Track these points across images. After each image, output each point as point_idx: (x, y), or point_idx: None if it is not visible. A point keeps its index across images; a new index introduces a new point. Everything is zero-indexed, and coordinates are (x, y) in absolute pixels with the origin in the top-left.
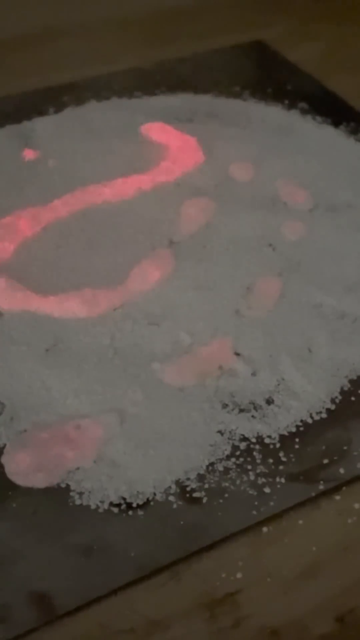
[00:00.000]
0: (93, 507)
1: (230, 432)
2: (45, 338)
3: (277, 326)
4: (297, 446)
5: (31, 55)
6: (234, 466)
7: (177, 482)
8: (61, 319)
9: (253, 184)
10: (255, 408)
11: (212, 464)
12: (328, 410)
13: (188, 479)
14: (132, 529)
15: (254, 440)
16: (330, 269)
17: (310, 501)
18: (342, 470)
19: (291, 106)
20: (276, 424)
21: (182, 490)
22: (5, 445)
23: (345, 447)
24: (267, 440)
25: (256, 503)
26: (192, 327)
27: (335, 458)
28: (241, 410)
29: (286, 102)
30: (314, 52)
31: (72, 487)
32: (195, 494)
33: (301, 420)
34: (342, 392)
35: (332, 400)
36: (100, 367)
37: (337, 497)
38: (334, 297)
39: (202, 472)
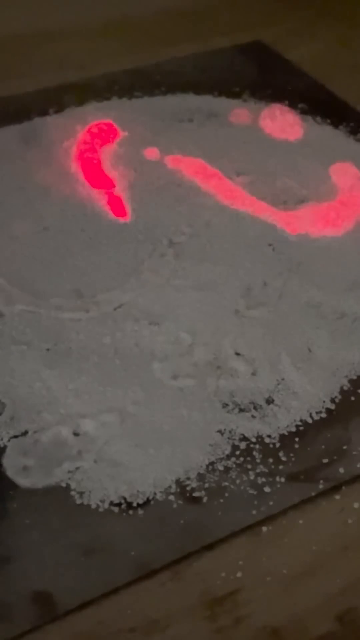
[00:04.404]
0: (93, 506)
1: (230, 431)
2: (45, 338)
3: (277, 326)
4: (297, 446)
5: (32, 55)
6: (234, 466)
7: (177, 482)
8: (62, 319)
9: (253, 184)
10: (255, 408)
11: (212, 463)
12: (328, 410)
13: (188, 478)
14: (133, 529)
15: (254, 439)
16: (330, 269)
17: (310, 501)
18: (341, 470)
19: (291, 106)
20: (276, 423)
21: (182, 489)
22: (5, 445)
23: (345, 447)
24: (267, 440)
25: (256, 503)
26: (192, 327)
27: (335, 458)
28: (241, 410)
29: (286, 102)
30: (314, 52)
31: (72, 487)
32: (196, 494)
33: (301, 420)
34: (342, 391)
35: (332, 400)
36: (101, 367)
37: (337, 497)
38: (334, 297)
39: (202, 471)
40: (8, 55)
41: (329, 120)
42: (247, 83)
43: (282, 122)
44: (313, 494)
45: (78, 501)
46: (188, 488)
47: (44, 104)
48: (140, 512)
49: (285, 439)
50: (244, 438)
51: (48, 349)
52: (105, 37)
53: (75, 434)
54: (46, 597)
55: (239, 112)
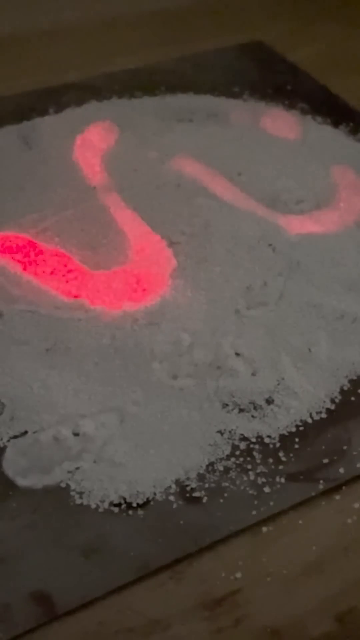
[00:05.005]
0: (93, 506)
1: (230, 432)
2: (45, 338)
3: (277, 326)
4: (297, 446)
5: (31, 55)
6: (234, 466)
7: (177, 482)
8: (62, 319)
9: (253, 184)
10: (255, 408)
11: (212, 463)
12: (328, 410)
13: (188, 478)
14: (132, 529)
15: (253, 440)
16: (330, 269)
17: (310, 501)
18: (341, 470)
19: (291, 106)
20: (276, 423)
21: (182, 489)
22: (5, 445)
23: (345, 447)
24: (267, 440)
25: (256, 503)
26: (192, 327)
27: (334, 458)
28: (241, 410)
29: (286, 102)
30: (314, 52)
31: (72, 487)
32: (195, 494)
33: (301, 420)
34: (342, 392)
35: (332, 400)
36: (100, 366)
37: (337, 497)
38: (334, 297)
39: (202, 471)
40: (8, 55)
41: (329, 120)
42: (247, 83)
43: (282, 122)
44: (313, 494)
45: (78, 501)
46: (188, 488)
47: (44, 104)
48: (140, 512)
49: (285, 439)
50: (244, 438)
51: (48, 349)
52: (105, 36)
53: (75, 434)
54: (46, 597)
55: (239, 112)
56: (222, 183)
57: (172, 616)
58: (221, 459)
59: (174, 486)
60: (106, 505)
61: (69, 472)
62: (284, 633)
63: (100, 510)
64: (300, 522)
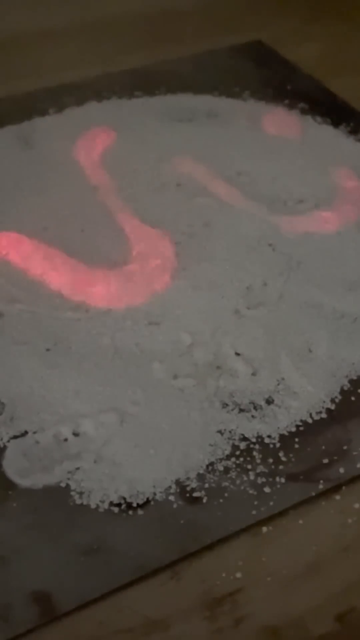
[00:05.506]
0: (93, 506)
1: (230, 431)
2: (45, 338)
3: (277, 326)
4: (297, 446)
5: (31, 55)
6: (234, 466)
7: (177, 482)
8: (62, 319)
9: (253, 184)
10: (255, 408)
11: (212, 463)
12: (328, 410)
13: (188, 478)
14: (132, 529)
15: (253, 440)
16: (330, 269)
17: (310, 501)
18: (342, 470)
19: (291, 106)
20: (276, 423)
21: (182, 489)
22: (5, 445)
23: (345, 447)
24: (267, 440)
25: (256, 503)
26: (192, 327)
27: (335, 458)
28: (241, 410)
29: (286, 102)
30: (314, 52)
31: (72, 487)
32: (196, 494)
33: (301, 420)
34: (342, 392)
35: (332, 400)
36: (100, 367)
37: (337, 497)
38: (334, 297)
39: (202, 471)
40: (8, 55)
41: (329, 120)
42: (247, 83)
43: (282, 122)
44: (313, 494)
45: (78, 501)
46: (188, 488)
47: (44, 104)
48: (140, 512)
49: (285, 439)
50: (244, 438)
51: (48, 349)
52: (104, 37)
53: (75, 434)
54: (45, 598)
55: (239, 112)
56: (222, 183)
57: (172, 616)
58: (221, 459)
59: (174, 486)
60: (106, 505)
61: (69, 472)
62: (284, 633)
63: (100, 510)
64: (300, 522)
